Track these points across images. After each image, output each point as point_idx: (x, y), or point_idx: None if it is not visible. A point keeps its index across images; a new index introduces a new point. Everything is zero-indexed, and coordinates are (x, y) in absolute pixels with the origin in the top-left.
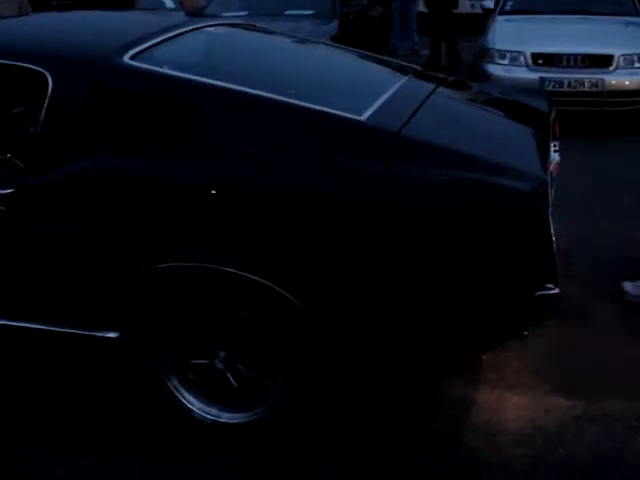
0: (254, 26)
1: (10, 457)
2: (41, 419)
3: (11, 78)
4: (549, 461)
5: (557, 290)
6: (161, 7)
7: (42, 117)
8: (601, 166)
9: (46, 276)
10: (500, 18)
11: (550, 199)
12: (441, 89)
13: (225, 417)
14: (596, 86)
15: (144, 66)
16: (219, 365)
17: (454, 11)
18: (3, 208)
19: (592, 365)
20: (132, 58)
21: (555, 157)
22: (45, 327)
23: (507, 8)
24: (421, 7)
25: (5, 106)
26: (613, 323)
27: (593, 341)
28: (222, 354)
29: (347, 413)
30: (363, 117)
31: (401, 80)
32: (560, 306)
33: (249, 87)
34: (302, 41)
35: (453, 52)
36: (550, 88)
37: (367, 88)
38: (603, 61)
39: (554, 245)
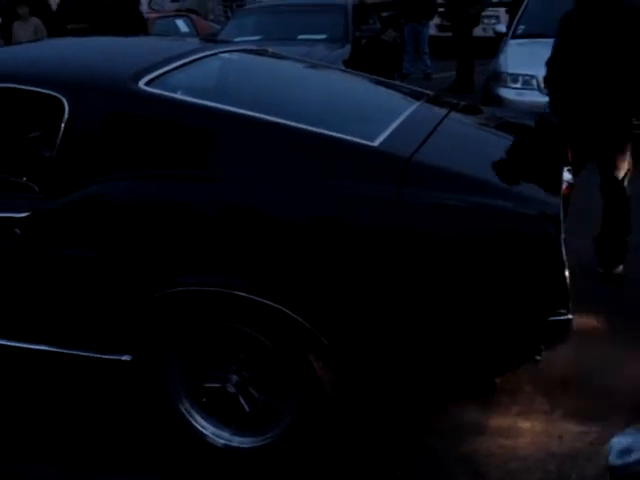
0: (267, 51)
1: (28, 476)
2: (55, 440)
3: (28, 103)
4: None
5: (570, 315)
6: (175, 32)
7: (58, 142)
8: None
9: (61, 299)
10: (512, 42)
11: (562, 223)
12: (453, 114)
13: (237, 441)
14: None
15: (159, 92)
16: (231, 389)
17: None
18: (19, 231)
19: (606, 390)
20: (147, 84)
21: (567, 180)
22: (59, 350)
23: (519, 32)
24: (432, 31)
25: (22, 130)
26: (628, 347)
27: (607, 366)
28: (234, 378)
29: (359, 436)
30: (376, 143)
31: (413, 105)
32: (574, 330)
33: (262, 112)
34: (315, 66)
35: (468, 75)
36: None
37: (380, 113)
38: None
39: (566, 270)
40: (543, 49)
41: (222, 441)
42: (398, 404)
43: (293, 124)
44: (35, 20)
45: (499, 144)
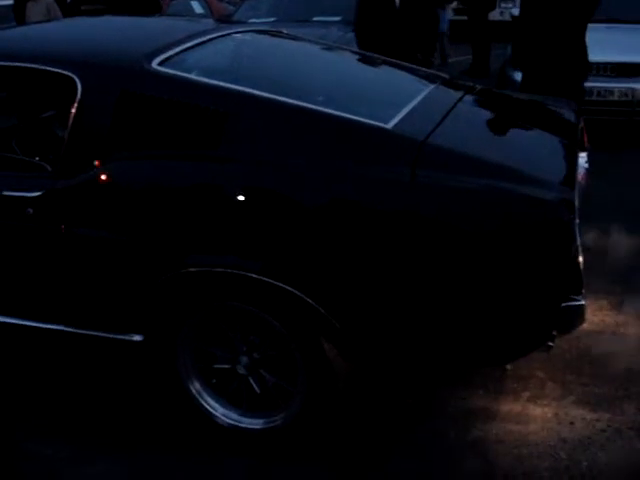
0: (281, 32)
1: (40, 457)
2: (64, 421)
3: (41, 83)
4: (573, 474)
5: (583, 301)
6: (190, 13)
7: (71, 121)
8: (630, 176)
9: (73, 279)
10: None
11: (577, 209)
12: (468, 97)
13: (246, 422)
14: (626, 95)
15: (172, 72)
16: (242, 370)
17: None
18: (31, 211)
19: (618, 377)
20: (161, 64)
21: (583, 166)
22: (71, 329)
23: None
24: (450, 15)
25: (35, 110)
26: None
27: (619, 353)
28: (245, 359)
29: (366, 421)
30: (389, 125)
31: (428, 88)
32: (586, 317)
33: (276, 94)
34: (329, 48)
35: (483, 59)
36: None
37: (394, 96)
38: (633, 70)
39: (580, 256)
40: None
41: (231, 422)
42: (408, 388)
43: (307, 105)
44: (48, 0)
45: (514, 128)
